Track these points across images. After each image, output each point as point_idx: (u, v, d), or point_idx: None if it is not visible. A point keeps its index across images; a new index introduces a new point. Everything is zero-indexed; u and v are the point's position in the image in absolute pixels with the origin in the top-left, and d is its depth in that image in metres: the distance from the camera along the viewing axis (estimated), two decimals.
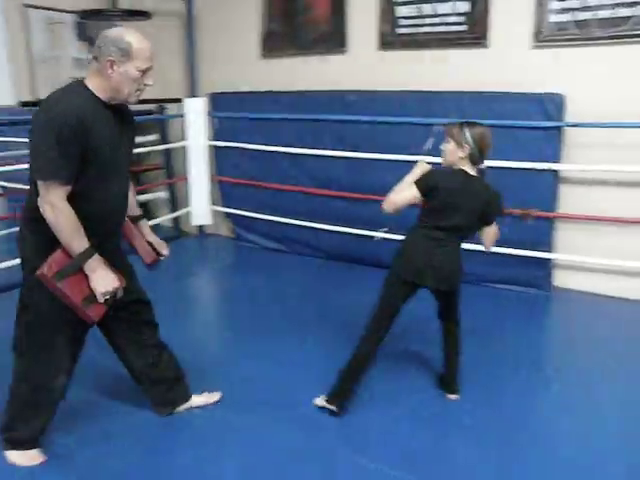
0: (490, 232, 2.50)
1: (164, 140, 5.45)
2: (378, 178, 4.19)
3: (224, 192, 5.27)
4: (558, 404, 2.66)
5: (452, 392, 2.67)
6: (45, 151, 1.85)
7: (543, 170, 3.75)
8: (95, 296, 2.00)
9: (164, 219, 5.64)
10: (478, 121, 2.44)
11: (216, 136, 5.13)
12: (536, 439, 2.37)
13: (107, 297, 2.02)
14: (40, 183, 1.88)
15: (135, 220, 2.36)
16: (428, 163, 2.52)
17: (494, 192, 2.44)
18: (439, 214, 2.39)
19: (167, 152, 5.50)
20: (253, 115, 4.80)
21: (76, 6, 4.18)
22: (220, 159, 5.19)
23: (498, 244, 2.64)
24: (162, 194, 5.73)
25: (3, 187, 5.40)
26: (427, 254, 2.40)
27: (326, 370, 2.64)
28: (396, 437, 2.38)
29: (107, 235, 2.12)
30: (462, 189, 2.37)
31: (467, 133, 2.35)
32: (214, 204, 5.29)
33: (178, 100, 5.09)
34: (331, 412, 2.49)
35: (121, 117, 2.07)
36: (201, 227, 5.53)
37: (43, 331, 2.08)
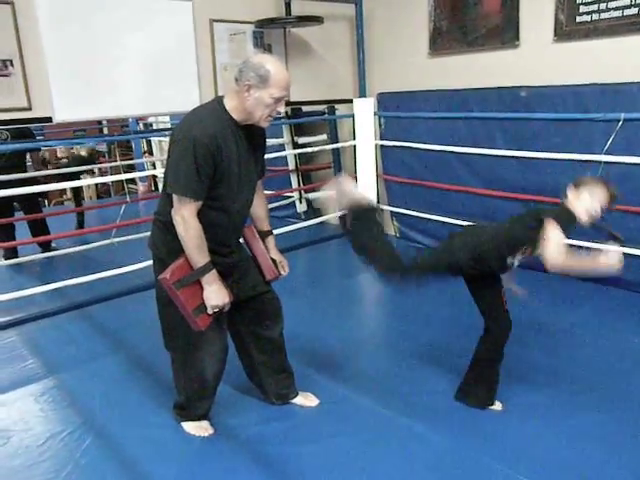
0: None
1: (334, 140, 5.60)
2: (552, 179, 3.93)
3: (391, 191, 5.28)
4: None
5: None
6: (183, 168, 1.99)
7: None
8: (205, 307, 2.13)
9: (332, 217, 5.80)
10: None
11: (383, 135, 5.16)
12: None
13: (216, 310, 2.14)
14: (175, 197, 2.03)
15: (263, 235, 2.43)
16: None
17: None
18: None
19: (337, 151, 5.65)
20: (420, 114, 4.75)
21: (255, 17, 4.44)
22: (387, 158, 5.21)
23: None
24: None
25: None
26: None
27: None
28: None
29: (232, 244, 2.26)
30: None
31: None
32: (381, 203, 5.33)
33: (349, 101, 5.20)
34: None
35: (252, 135, 2.17)
36: None
37: (185, 326, 2.18)
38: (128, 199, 5.55)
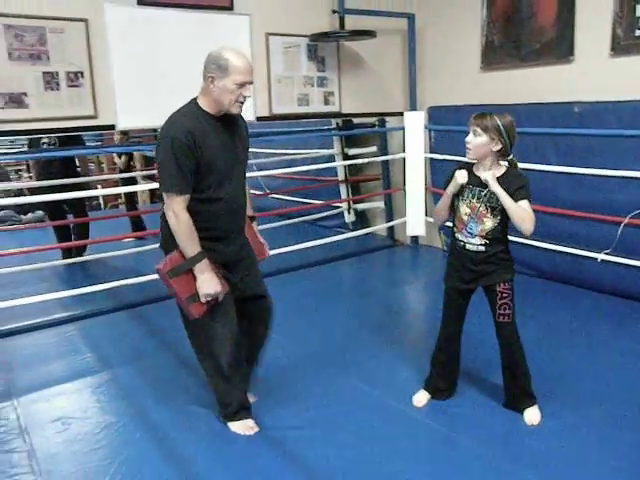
0: None
1: (384, 152, 5.66)
2: (606, 196, 3.89)
3: None
4: None
5: None
6: (166, 167, 2.17)
7: None
8: (199, 296, 2.24)
9: (380, 228, 5.85)
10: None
11: (433, 149, 5.19)
12: None
13: (209, 299, 2.24)
14: (164, 194, 2.20)
15: (250, 220, 2.56)
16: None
17: None
18: None
19: (386, 163, 5.70)
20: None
21: (309, 30, 4.55)
22: (436, 171, 5.23)
23: None
24: (379, 204, 5.96)
25: None
26: None
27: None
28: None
29: (234, 230, 2.37)
30: None
31: (500, 125, 2.26)
32: (429, 215, 5.34)
33: (399, 114, 5.26)
34: None
35: (232, 126, 2.32)
36: (415, 238, 5.63)
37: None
38: None
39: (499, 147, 2.31)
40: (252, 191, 4.59)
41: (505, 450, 2.32)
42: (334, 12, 4.66)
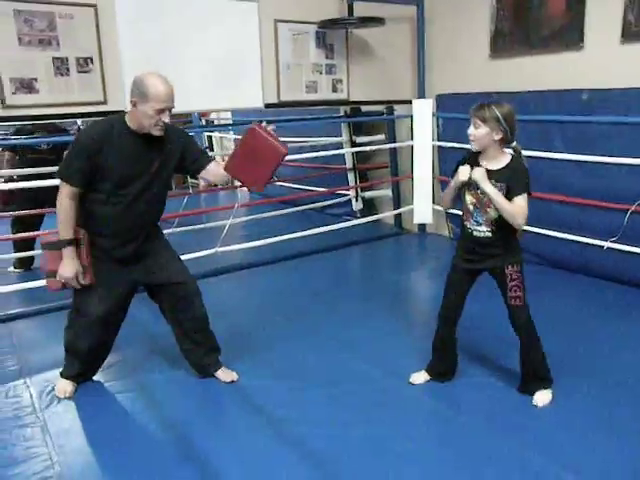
0: None
1: (392, 140, 5.67)
2: (614, 183, 3.89)
3: None
4: None
5: None
6: (66, 159, 2.43)
7: None
8: (55, 274, 2.49)
9: (387, 215, 5.87)
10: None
11: (441, 136, 5.19)
12: None
13: (63, 280, 2.48)
14: (59, 179, 2.43)
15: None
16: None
17: None
18: None
19: (394, 151, 5.71)
20: None
21: (318, 17, 4.55)
22: (444, 159, 5.24)
23: None
24: (387, 192, 5.97)
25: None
26: None
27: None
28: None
29: (132, 233, 2.54)
30: None
31: (499, 115, 2.31)
32: (436, 203, 5.36)
33: (407, 101, 5.26)
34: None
35: (154, 143, 2.46)
36: (422, 225, 5.64)
37: (80, 291, 2.59)
38: (191, 191, 5.79)
39: (500, 136, 2.36)
40: None
41: (507, 431, 2.36)
42: None
